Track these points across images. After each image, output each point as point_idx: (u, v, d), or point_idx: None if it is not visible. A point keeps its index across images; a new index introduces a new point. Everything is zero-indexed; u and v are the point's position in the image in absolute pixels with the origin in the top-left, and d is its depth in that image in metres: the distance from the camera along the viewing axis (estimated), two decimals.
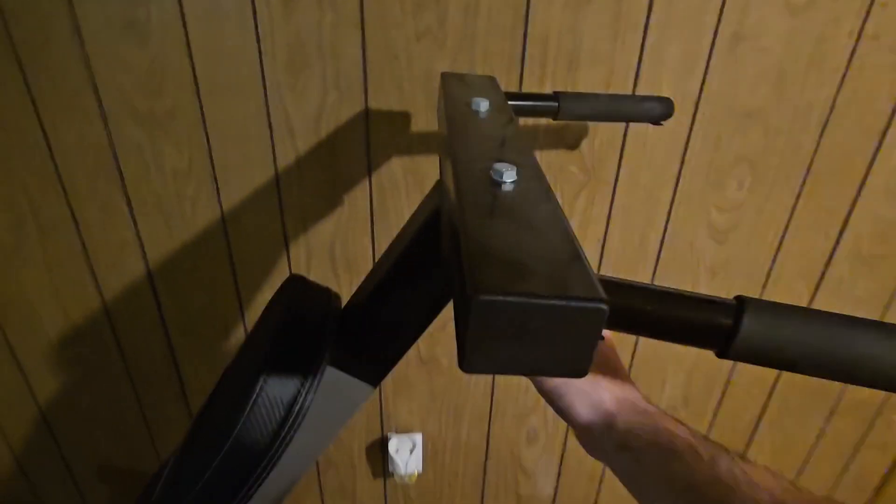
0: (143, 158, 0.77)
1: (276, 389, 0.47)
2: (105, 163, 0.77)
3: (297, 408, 0.47)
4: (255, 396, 0.47)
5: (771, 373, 0.97)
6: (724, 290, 0.88)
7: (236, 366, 0.55)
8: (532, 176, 0.30)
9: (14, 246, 0.83)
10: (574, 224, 0.82)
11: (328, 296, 0.55)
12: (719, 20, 0.69)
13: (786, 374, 0.98)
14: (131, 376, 0.96)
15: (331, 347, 0.49)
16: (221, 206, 0.81)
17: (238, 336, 0.93)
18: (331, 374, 0.51)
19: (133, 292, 0.88)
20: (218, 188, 0.79)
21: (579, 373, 0.23)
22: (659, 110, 0.64)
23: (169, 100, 0.73)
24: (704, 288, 0.88)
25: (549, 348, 0.22)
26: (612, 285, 0.28)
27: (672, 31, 0.70)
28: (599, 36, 0.70)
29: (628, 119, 0.69)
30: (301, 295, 0.53)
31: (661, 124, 0.65)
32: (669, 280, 0.87)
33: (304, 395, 0.47)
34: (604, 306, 0.21)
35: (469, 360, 0.22)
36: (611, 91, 0.72)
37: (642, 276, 0.87)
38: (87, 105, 0.73)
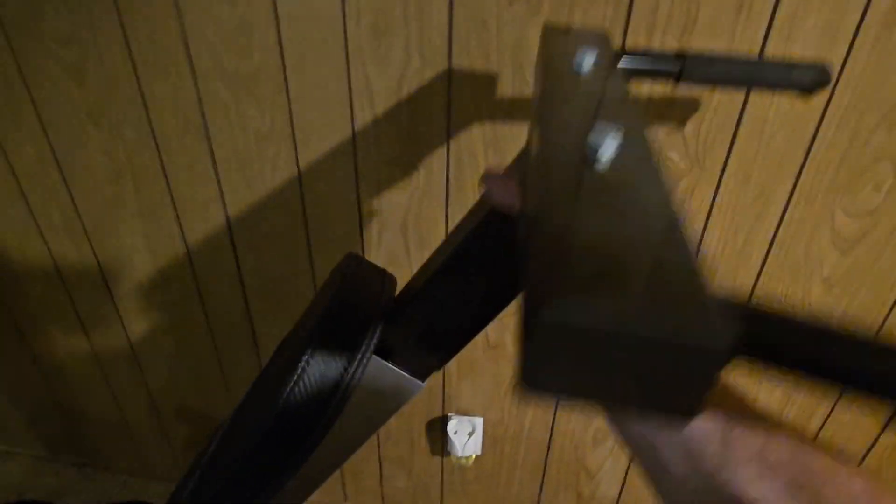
0: (228, 117, 0.77)
1: (319, 371, 0.45)
2: (194, 120, 0.79)
3: (339, 393, 0.45)
4: (295, 378, 0.46)
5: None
6: (841, 306, 0.76)
7: (287, 341, 0.54)
8: (640, 152, 0.23)
9: (113, 195, 0.88)
10: None
11: (382, 279, 0.52)
12: None
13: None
14: (210, 326, 1.00)
15: (378, 336, 0.47)
16: (300, 170, 0.80)
17: (308, 299, 0.93)
18: (376, 364, 0.48)
19: (215, 248, 0.90)
20: (297, 152, 0.79)
21: (682, 418, 0.17)
22: (812, 77, 0.51)
23: (255, 60, 0.72)
24: (815, 302, 0.77)
25: (641, 382, 0.16)
26: (748, 315, 0.20)
27: (811, 1, 0.59)
28: (720, 3, 0.60)
29: (771, 86, 0.54)
30: (354, 277, 0.51)
31: (811, 96, 0.52)
32: (774, 290, 0.77)
33: (346, 381, 0.45)
34: (727, 346, 0.15)
35: (528, 379, 0.17)
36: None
37: (742, 283, 0.77)
38: (178, 61, 0.74)
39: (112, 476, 1.32)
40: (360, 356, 0.46)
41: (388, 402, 0.52)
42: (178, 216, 0.89)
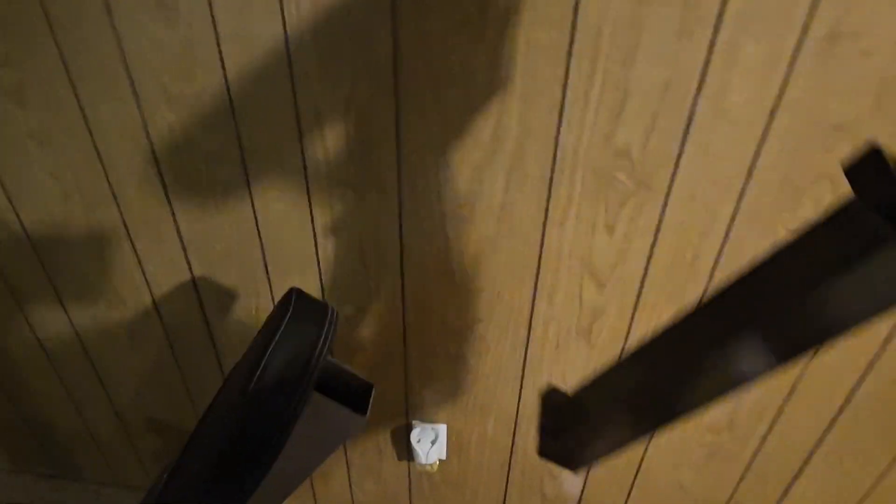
0: (175, 139, 0.76)
1: (266, 401, 0.46)
2: (141, 141, 0.77)
3: (283, 425, 0.47)
4: (246, 404, 0.47)
5: (833, 404, 0.87)
6: None
7: (238, 367, 0.55)
8: None
9: (63, 217, 0.86)
10: (619, 234, 0.75)
11: (325, 312, 0.52)
12: (812, 14, 0.58)
13: (854, 407, 0.88)
14: (171, 342, 1.00)
15: (317, 373, 0.48)
16: (251, 192, 0.79)
17: (266, 313, 0.93)
18: (317, 399, 0.49)
19: (172, 268, 0.89)
20: (247, 172, 0.78)
21: None
22: None
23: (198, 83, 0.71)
24: None
25: None
26: None
27: (752, 25, 0.59)
28: (662, 28, 0.60)
29: None
30: (297, 313, 0.51)
31: None
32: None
33: (289, 415, 0.47)
34: None
35: None
36: (669, 93, 0.63)
37: (691, 295, 0.79)
38: (120, 84, 0.72)
39: (83, 486, 1.32)
40: (301, 390, 0.47)
41: (332, 435, 0.53)
42: (129, 236, 0.87)
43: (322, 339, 0.49)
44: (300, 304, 0.51)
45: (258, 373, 0.46)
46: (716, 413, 0.91)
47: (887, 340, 0.78)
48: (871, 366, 0.81)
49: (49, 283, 0.95)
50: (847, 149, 0.64)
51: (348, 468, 1.13)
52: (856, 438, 0.90)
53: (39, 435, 1.23)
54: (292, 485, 0.55)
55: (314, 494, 1.20)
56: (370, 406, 0.50)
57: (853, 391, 0.85)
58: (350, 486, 1.16)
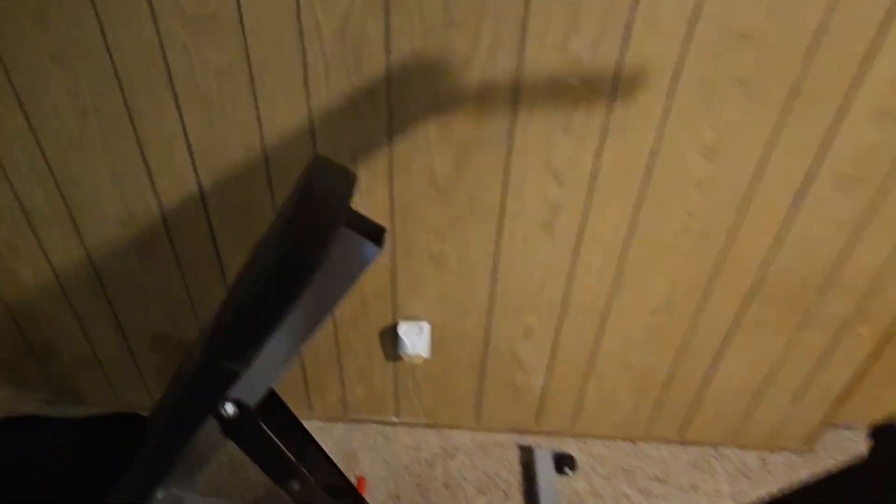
0: (189, 57, 0.86)
1: (305, 236, 0.59)
2: (156, 60, 0.87)
3: (319, 252, 0.59)
4: (287, 241, 0.59)
5: (746, 283, 1.06)
6: (711, 206, 0.95)
7: (275, 221, 0.68)
8: None
9: (79, 134, 0.95)
10: (574, 135, 0.90)
11: (347, 171, 0.66)
12: None
13: (764, 289, 1.07)
14: (178, 257, 1.10)
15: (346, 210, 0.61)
16: (258, 106, 0.90)
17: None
18: (346, 231, 0.62)
19: (180, 182, 1.00)
20: (255, 88, 0.89)
21: None
22: None
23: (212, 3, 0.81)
24: (693, 203, 0.96)
25: None
26: None
27: None
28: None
29: None
30: (325, 168, 0.64)
31: None
32: (661, 195, 0.95)
33: (324, 242, 0.59)
34: None
35: None
36: (612, 7, 0.78)
37: (634, 189, 0.95)
38: (139, 4, 0.82)
39: (85, 410, 1.40)
40: (333, 224, 0.60)
41: (355, 264, 0.66)
42: (142, 153, 0.97)
43: (347, 186, 0.62)
44: (326, 163, 0.64)
45: (298, 210, 0.59)
46: (656, 295, 1.09)
47: (786, 222, 0.97)
48: (777, 241, 1.00)
49: (63, 203, 1.03)
50: (752, 54, 0.81)
51: (341, 374, 1.26)
52: (766, 312, 1.09)
53: (42, 359, 1.31)
54: (320, 316, 0.68)
55: (309, 401, 1.32)
56: (384, 242, 0.64)
57: (762, 270, 1.03)
58: (343, 391, 1.30)
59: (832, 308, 1.08)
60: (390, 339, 1.19)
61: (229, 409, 0.77)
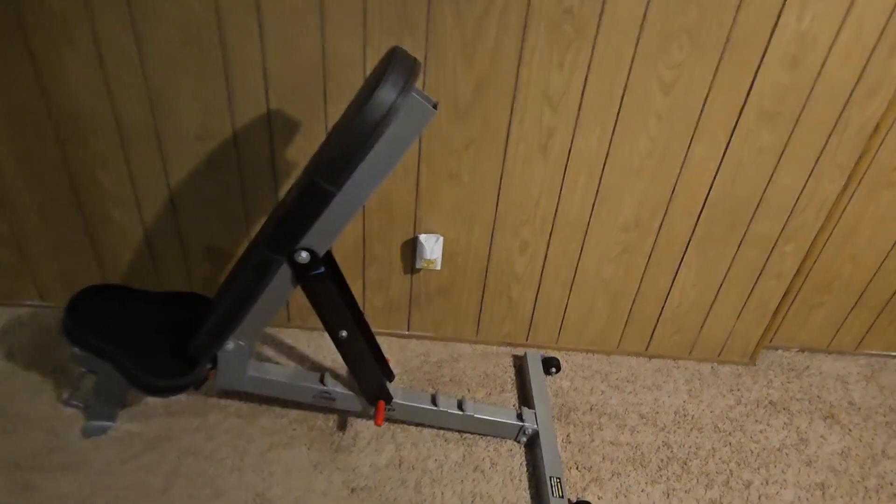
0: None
1: (381, 97, 0.85)
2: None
3: (392, 109, 0.85)
4: (367, 101, 0.85)
5: (697, 204, 1.34)
6: (668, 134, 1.25)
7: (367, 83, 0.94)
8: None
9: (180, 58, 1.21)
10: (566, 70, 1.19)
11: (415, 59, 0.93)
12: None
13: (710, 209, 1.35)
14: (241, 172, 1.34)
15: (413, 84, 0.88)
16: (323, 36, 1.17)
17: (320, 142, 1.30)
18: (412, 97, 0.89)
19: (254, 104, 1.25)
20: (322, 25, 1.16)
21: None
22: None
23: None
24: (655, 130, 1.25)
25: None
26: None
27: None
28: None
29: None
30: (402, 53, 0.91)
31: None
32: (630, 123, 1.24)
33: (399, 102, 0.85)
34: None
35: None
36: None
37: (609, 118, 1.24)
38: None
39: None
40: (406, 89, 0.86)
41: (416, 122, 0.91)
42: (226, 78, 1.23)
43: (416, 69, 0.89)
44: (400, 52, 0.91)
45: (382, 80, 0.85)
46: (627, 215, 1.37)
47: (724, 150, 1.26)
48: (718, 167, 1.29)
49: (153, 119, 1.28)
50: (694, 9, 1.11)
51: (364, 284, 1.50)
52: (714, 230, 1.38)
53: (101, 265, 1.51)
54: (391, 162, 0.93)
55: None
56: (438, 108, 0.90)
57: (708, 192, 1.32)
58: (364, 300, 1.53)
59: (763, 227, 1.37)
60: (409, 252, 1.43)
61: (303, 255, 1.03)
